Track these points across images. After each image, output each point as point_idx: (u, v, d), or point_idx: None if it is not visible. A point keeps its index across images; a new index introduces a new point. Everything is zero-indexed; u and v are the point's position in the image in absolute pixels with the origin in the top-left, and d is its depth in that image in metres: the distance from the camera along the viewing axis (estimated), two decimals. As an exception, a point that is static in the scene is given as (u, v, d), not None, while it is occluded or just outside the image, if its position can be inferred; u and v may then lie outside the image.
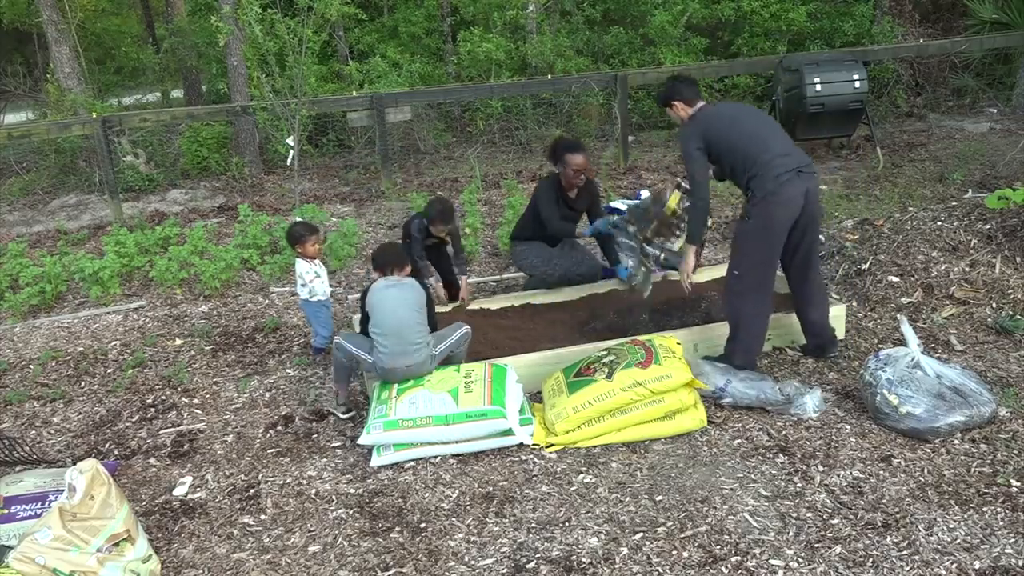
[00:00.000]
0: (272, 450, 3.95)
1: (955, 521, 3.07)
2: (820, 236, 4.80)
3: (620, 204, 5.82)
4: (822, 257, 5.77)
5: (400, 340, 3.85)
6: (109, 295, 6.05)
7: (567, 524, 3.21)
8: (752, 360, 4.16)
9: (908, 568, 2.86)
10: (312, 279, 4.68)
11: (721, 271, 5.43)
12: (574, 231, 5.22)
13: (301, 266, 4.71)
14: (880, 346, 4.45)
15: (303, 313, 4.86)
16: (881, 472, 3.39)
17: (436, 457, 3.72)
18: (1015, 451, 3.47)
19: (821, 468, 3.45)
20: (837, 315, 4.50)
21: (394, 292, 3.96)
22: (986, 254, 5.18)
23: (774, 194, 3.88)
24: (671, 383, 3.71)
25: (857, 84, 8.21)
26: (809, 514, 3.17)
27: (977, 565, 2.85)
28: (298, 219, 5.45)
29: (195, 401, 4.52)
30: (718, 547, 3.01)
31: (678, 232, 4.60)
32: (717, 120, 4.13)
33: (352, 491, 3.56)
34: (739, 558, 2.95)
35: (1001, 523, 3.05)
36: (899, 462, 3.45)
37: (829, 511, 3.18)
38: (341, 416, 4.16)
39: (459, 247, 5.18)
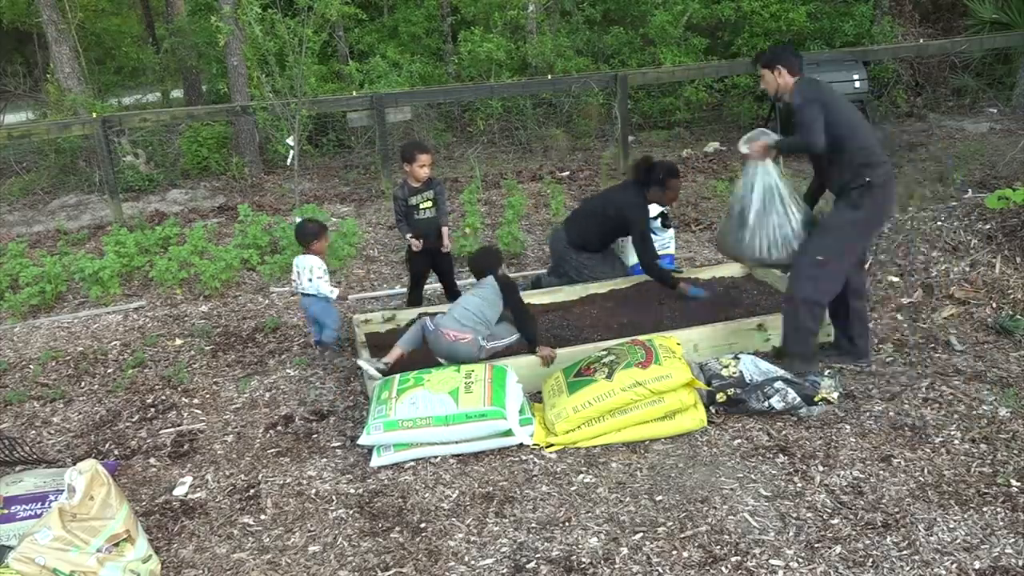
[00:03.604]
0: (272, 450, 3.95)
1: (955, 521, 3.07)
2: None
3: None
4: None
5: (453, 308, 4.25)
6: (109, 295, 6.05)
7: (567, 524, 3.21)
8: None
9: (908, 568, 2.86)
10: (323, 274, 4.67)
11: (720, 271, 5.44)
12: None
13: (314, 260, 4.68)
14: (880, 346, 4.45)
15: (309, 311, 4.77)
16: (881, 472, 3.40)
17: (436, 457, 3.72)
18: (1015, 451, 3.47)
19: (821, 468, 3.45)
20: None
21: (475, 289, 4.38)
22: (986, 254, 5.19)
23: (889, 186, 4.05)
24: (671, 383, 3.71)
25: (857, 84, 8.24)
26: (809, 514, 3.17)
27: (977, 565, 2.85)
28: (306, 217, 5.37)
29: (195, 401, 4.52)
30: (718, 547, 3.01)
31: None
32: (837, 96, 4.11)
33: (352, 491, 3.56)
34: (739, 558, 2.95)
35: (1001, 523, 3.05)
36: (899, 462, 3.45)
37: (829, 511, 3.18)
38: (372, 371, 4.05)
39: (443, 203, 5.10)
